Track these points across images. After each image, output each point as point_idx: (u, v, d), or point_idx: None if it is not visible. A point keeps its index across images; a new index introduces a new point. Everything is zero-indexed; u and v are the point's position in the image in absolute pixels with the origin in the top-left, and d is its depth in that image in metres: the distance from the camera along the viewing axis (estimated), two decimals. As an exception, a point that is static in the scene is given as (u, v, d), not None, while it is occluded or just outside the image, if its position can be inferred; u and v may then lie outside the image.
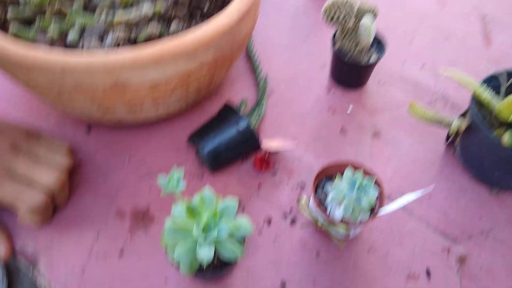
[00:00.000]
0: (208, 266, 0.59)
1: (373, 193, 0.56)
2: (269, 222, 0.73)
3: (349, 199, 0.58)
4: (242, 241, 0.61)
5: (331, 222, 0.61)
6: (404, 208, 0.75)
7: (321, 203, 0.65)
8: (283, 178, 0.78)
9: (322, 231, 0.70)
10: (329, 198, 0.63)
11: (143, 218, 0.73)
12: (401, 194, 0.76)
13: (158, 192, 0.76)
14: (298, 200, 0.65)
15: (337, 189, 0.58)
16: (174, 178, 0.55)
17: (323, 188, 0.67)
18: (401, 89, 0.92)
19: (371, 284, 0.66)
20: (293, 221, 0.72)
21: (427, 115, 0.78)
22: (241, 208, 0.74)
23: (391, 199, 0.76)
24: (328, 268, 0.68)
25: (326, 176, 0.68)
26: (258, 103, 0.83)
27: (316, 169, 0.78)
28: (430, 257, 0.69)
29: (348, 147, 0.82)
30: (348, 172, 0.61)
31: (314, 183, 0.64)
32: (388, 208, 0.58)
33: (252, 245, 0.70)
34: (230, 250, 0.56)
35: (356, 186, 0.56)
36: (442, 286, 0.66)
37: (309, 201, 0.68)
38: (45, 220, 0.71)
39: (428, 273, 0.68)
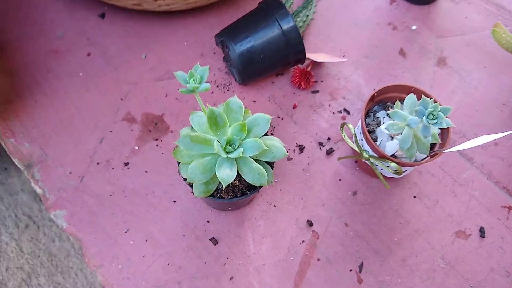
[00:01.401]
0: (227, 189, 0.51)
1: (444, 126, 0.45)
2: (301, 149, 0.64)
3: (410, 130, 0.48)
4: (270, 164, 0.53)
5: (381, 155, 0.52)
6: (462, 153, 0.65)
7: (369, 134, 0.55)
8: (324, 99, 0.68)
9: (363, 168, 0.61)
10: (382, 127, 0.53)
11: (155, 127, 0.65)
12: (462, 134, 0.66)
13: (175, 99, 0.67)
14: (342, 126, 0.55)
15: (398, 116, 0.48)
16: (197, 73, 0.45)
17: (373, 115, 0.57)
18: (480, 10, 0.78)
19: (412, 235, 0.58)
20: (329, 152, 0.63)
21: (511, 44, 0.65)
22: (270, 129, 0.65)
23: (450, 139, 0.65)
24: (364, 211, 0.60)
25: (379, 102, 0.58)
26: (306, 4, 0.70)
27: (366, 92, 0.68)
28: (487, 214, 0.60)
29: (406, 71, 0.70)
30: (412, 98, 0.50)
31: (366, 105, 0.54)
32: (454, 148, 0.48)
33: (279, 174, 0.62)
34: (256, 172, 0.48)
35: (426, 115, 0.45)
36: (495, 250, 0.58)
37: (355, 128, 0.59)
38: None
39: (481, 232, 0.59)
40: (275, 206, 0.60)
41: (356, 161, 0.62)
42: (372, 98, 0.55)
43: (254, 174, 0.48)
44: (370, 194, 0.61)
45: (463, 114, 0.68)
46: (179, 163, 0.51)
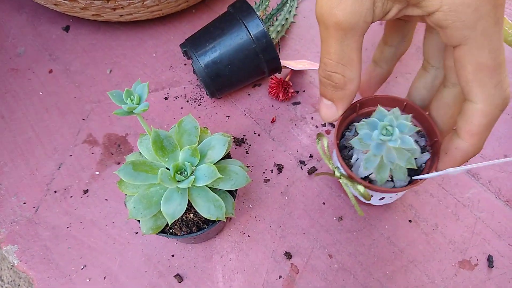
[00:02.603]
0: (179, 224, 0.45)
1: (397, 145, 0.37)
2: (280, 169, 0.57)
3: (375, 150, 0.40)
4: (231, 192, 0.46)
5: (350, 176, 0.44)
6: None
7: (346, 149, 0.47)
8: (306, 112, 0.61)
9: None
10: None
11: (118, 149, 0.59)
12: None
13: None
14: (318, 137, 0.47)
15: (362, 132, 0.40)
16: (136, 92, 0.39)
17: (355, 129, 0.49)
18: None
19: (407, 267, 0.50)
20: (312, 172, 0.56)
21: (520, 42, 0.57)
22: (246, 146, 0.58)
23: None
24: (351, 239, 0.52)
25: (365, 115, 0.50)
26: (283, 5, 0.63)
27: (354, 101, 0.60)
28: (496, 240, 0.52)
29: (400, 76, 0.63)
30: (379, 110, 0.42)
31: (340, 123, 0.46)
32: (446, 171, 0.40)
33: (254, 198, 0.55)
34: (212, 204, 0.42)
35: (379, 129, 0.38)
36: (506, 282, 0.50)
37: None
38: None
39: (489, 262, 0.51)
40: (248, 235, 0.53)
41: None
42: (354, 108, 0.47)
43: (209, 206, 0.42)
44: (359, 219, 0.53)
45: (467, 123, 0.59)
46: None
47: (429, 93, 0.45)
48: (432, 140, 0.44)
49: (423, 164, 0.44)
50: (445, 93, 0.41)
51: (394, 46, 0.45)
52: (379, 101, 0.48)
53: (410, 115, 0.41)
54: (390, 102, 0.48)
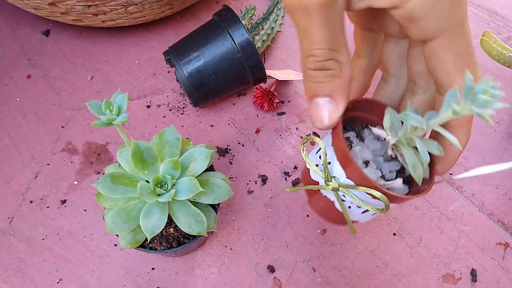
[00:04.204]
0: (159, 239, 0.43)
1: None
2: (264, 180, 0.56)
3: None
4: (213, 206, 0.45)
5: (364, 183, 0.37)
6: (449, 180, 0.56)
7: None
8: (291, 122, 0.60)
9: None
10: (357, 149, 0.42)
11: (98, 158, 0.57)
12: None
13: (122, 125, 0.59)
14: (304, 142, 0.42)
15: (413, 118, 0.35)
16: (115, 103, 0.37)
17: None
18: (469, 17, 0.70)
19: (391, 281, 0.50)
20: (296, 183, 0.55)
21: (503, 54, 0.57)
22: (229, 157, 0.57)
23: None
24: (335, 252, 0.51)
25: (348, 120, 0.46)
26: (269, 14, 0.63)
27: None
28: (479, 254, 0.52)
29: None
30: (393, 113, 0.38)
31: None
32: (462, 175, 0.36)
33: (237, 210, 0.54)
34: (193, 219, 0.40)
35: (482, 92, 0.30)
36: (491, 295, 0.49)
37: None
38: None
39: (473, 276, 0.50)
40: (231, 248, 0.51)
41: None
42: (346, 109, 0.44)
43: (190, 220, 0.40)
44: (342, 232, 0.52)
45: (451, 135, 0.59)
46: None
47: (390, 104, 0.44)
48: None
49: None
50: (415, 101, 0.40)
51: (367, 57, 0.44)
52: (361, 105, 0.45)
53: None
54: (377, 107, 0.45)
